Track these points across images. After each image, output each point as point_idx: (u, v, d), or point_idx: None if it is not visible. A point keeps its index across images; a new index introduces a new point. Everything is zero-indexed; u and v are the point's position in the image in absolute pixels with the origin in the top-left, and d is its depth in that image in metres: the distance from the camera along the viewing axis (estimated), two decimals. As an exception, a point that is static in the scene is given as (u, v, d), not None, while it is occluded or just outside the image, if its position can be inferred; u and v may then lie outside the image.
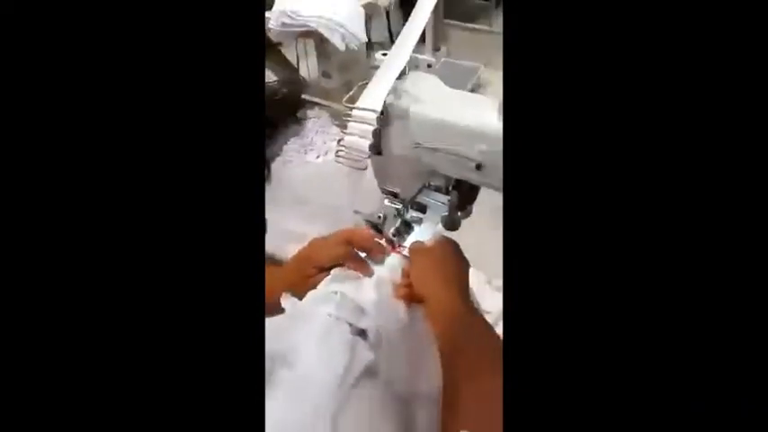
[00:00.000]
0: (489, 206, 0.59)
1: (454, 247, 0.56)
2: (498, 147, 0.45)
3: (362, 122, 0.47)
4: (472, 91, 1.38)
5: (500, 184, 0.47)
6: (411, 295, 0.51)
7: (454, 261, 0.55)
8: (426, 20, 0.50)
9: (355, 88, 0.49)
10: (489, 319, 0.73)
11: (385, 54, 0.53)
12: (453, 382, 0.44)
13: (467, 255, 0.99)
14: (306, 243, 0.59)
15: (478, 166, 0.46)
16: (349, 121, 0.48)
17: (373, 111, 0.47)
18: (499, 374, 0.38)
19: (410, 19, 0.50)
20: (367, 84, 0.50)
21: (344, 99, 0.49)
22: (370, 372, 0.47)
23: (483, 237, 1.18)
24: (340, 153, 0.48)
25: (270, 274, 0.51)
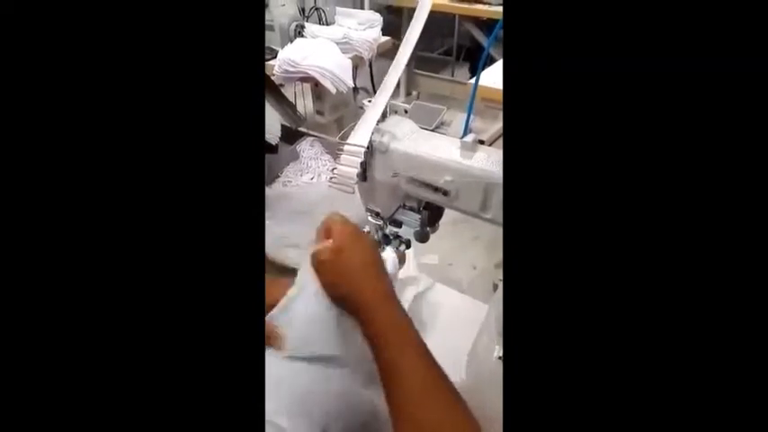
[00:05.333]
0: (450, 221, 0.60)
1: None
2: (460, 177, 0.46)
3: (352, 155, 0.48)
4: (437, 128, 1.41)
5: (462, 205, 0.48)
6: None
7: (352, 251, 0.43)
8: (399, 76, 0.51)
9: (346, 128, 0.50)
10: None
11: (370, 100, 0.54)
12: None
13: (432, 258, 0.99)
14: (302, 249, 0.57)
15: (445, 192, 0.47)
16: (341, 154, 0.48)
17: (361, 146, 0.47)
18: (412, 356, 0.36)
19: (387, 74, 0.51)
20: (356, 124, 0.50)
21: (338, 136, 0.49)
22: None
23: (445, 244, 1.18)
24: (333, 179, 0.49)
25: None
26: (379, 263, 0.44)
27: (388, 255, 0.56)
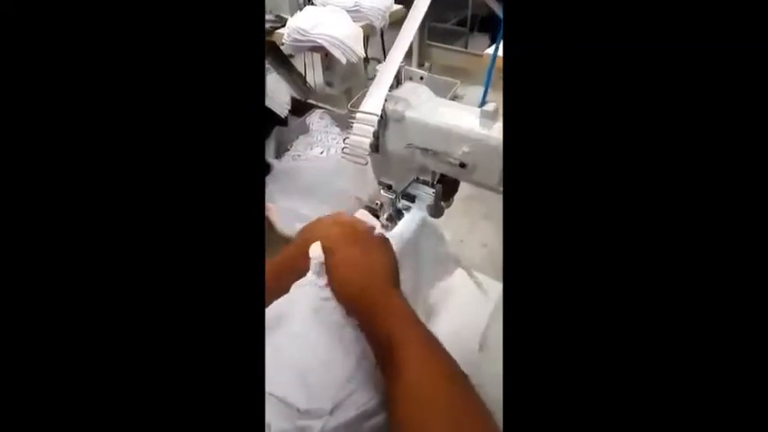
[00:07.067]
0: (461, 197, 0.58)
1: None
2: (479, 148, 0.43)
3: (364, 124, 0.45)
4: (450, 101, 1.36)
5: (480, 179, 0.45)
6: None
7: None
8: (412, 36, 0.48)
9: (358, 95, 0.47)
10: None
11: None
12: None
13: (445, 235, 0.96)
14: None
15: (462, 165, 0.44)
16: (353, 123, 0.45)
17: (374, 114, 0.45)
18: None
19: (399, 36, 0.48)
20: (366, 91, 0.47)
21: (349, 104, 0.46)
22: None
23: (455, 221, 1.16)
24: (345, 150, 0.46)
25: (277, 257, 0.48)
26: (391, 264, 0.43)
27: (415, 214, 0.54)
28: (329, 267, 0.41)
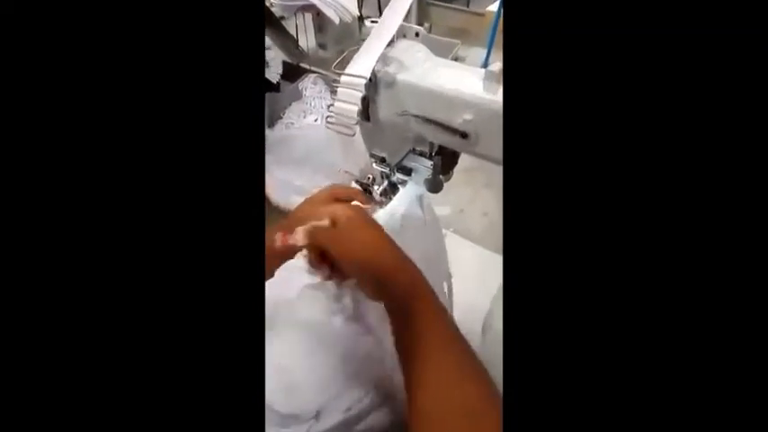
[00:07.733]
0: (462, 168, 0.53)
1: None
2: (483, 115, 0.38)
3: (351, 88, 0.39)
4: (450, 64, 1.28)
5: (484, 151, 0.40)
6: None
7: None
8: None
9: (345, 53, 0.41)
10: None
11: (375, 22, 0.44)
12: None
13: (444, 209, 0.92)
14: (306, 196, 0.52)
15: (463, 135, 0.39)
16: (338, 87, 0.40)
17: (362, 77, 0.39)
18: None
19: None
20: (357, 51, 0.41)
21: (334, 65, 0.40)
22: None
23: (456, 190, 1.11)
24: (330, 119, 0.40)
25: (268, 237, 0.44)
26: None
27: (413, 189, 0.49)
28: (335, 238, 0.38)
